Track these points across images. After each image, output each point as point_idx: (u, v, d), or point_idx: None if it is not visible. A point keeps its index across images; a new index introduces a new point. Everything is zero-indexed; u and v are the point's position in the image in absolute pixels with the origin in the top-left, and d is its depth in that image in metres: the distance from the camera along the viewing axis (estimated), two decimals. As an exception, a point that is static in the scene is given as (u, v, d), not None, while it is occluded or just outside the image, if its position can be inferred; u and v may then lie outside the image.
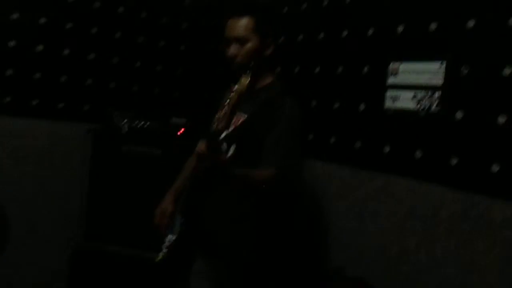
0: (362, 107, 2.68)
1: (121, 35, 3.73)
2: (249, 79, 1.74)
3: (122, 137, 3.23)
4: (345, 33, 2.80)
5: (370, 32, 2.65)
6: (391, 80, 2.52)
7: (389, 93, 2.52)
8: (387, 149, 2.53)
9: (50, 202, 3.56)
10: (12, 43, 3.37)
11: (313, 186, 2.88)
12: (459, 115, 2.22)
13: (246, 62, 2.19)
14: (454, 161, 2.23)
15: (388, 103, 2.53)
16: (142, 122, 3.24)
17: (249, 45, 2.19)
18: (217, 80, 3.73)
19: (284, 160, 2.12)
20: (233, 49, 2.20)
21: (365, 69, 2.67)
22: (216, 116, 2.27)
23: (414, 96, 2.40)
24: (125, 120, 3.22)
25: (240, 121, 2.18)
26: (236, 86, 1.69)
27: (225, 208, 2.24)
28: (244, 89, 1.67)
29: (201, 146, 1.90)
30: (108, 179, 3.26)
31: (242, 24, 2.19)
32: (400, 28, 2.49)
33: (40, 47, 3.46)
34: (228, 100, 1.76)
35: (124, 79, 3.78)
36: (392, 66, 2.51)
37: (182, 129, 3.22)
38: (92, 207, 3.30)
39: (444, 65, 2.28)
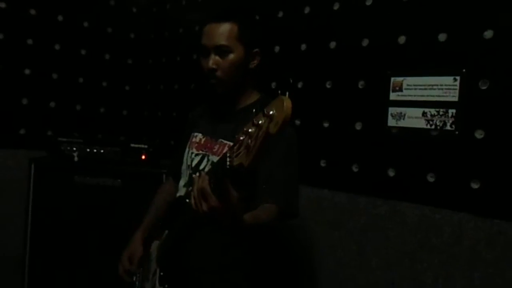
0: (358, 126, 2.41)
1: (60, 47, 3.25)
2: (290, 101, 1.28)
3: (73, 167, 2.76)
4: (333, 44, 2.53)
5: (365, 43, 2.39)
6: (394, 96, 2.27)
7: (392, 110, 2.27)
8: (391, 172, 2.27)
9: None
10: None
11: (302, 214, 2.56)
12: (479, 134, 2.01)
13: (228, 76, 1.85)
14: (475, 185, 2.01)
15: (392, 121, 2.27)
16: (96, 148, 2.78)
17: (232, 56, 1.85)
18: (180, 95, 3.38)
19: (286, 195, 1.79)
20: (212, 61, 1.84)
21: (360, 83, 2.40)
22: (216, 146, 1.89)
23: (424, 114, 2.16)
24: (76, 147, 2.75)
25: (226, 149, 1.82)
26: (273, 111, 1.23)
27: (213, 254, 1.87)
28: (289, 117, 1.23)
29: (201, 181, 1.44)
30: (56, 217, 2.77)
31: (224, 31, 1.83)
32: (402, 39, 2.25)
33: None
34: (253, 129, 1.21)
35: (66, 97, 3.29)
36: (395, 80, 2.27)
37: (145, 156, 2.80)
38: (35, 252, 2.79)
39: (458, 80, 2.06)
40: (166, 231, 1.91)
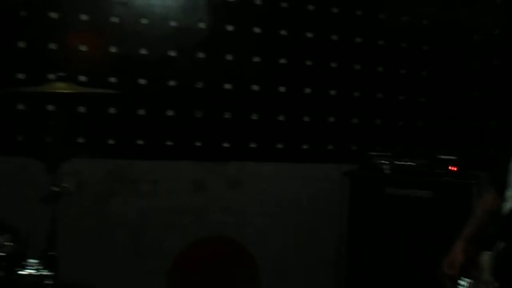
0: None
1: (361, 67, 3.48)
2: None
3: (385, 179, 2.93)
4: None
5: None
6: None
7: None
8: None
9: (301, 250, 3.37)
10: (255, 87, 3.30)
11: None
12: None
13: None
14: None
15: None
16: (405, 161, 2.90)
17: None
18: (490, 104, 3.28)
19: None
20: None
21: None
22: None
23: None
24: (386, 160, 2.91)
25: None
26: None
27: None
28: None
29: None
30: (370, 225, 2.97)
31: None
32: None
33: (282, 88, 3.35)
34: None
35: (367, 112, 3.52)
36: None
37: (454, 167, 2.81)
38: (352, 256, 3.03)
39: None
40: (501, 243, 1.89)
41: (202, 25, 3.19)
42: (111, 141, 3.11)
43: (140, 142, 3.15)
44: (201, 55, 3.20)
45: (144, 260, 3.18)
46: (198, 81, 3.20)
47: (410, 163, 2.89)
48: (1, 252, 1.91)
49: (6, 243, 1.94)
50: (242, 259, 3.27)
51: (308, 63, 3.38)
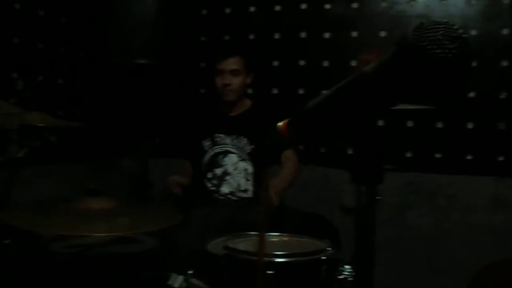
0: None
1: None
2: None
3: None
4: None
5: None
6: None
7: None
8: None
9: None
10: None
11: None
12: None
13: None
14: None
15: None
16: None
17: None
18: None
19: None
20: None
21: None
22: None
23: None
24: None
25: None
26: None
27: None
28: None
29: None
30: None
31: None
32: None
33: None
34: None
35: None
36: None
37: None
38: None
39: None
40: None
41: (505, 31, 3.00)
42: (408, 154, 3.16)
43: (437, 155, 3.12)
44: (504, 63, 3.00)
45: (438, 275, 3.13)
46: (501, 91, 3.02)
47: None
48: (323, 256, 2.06)
49: (327, 248, 2.09)
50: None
51: None
